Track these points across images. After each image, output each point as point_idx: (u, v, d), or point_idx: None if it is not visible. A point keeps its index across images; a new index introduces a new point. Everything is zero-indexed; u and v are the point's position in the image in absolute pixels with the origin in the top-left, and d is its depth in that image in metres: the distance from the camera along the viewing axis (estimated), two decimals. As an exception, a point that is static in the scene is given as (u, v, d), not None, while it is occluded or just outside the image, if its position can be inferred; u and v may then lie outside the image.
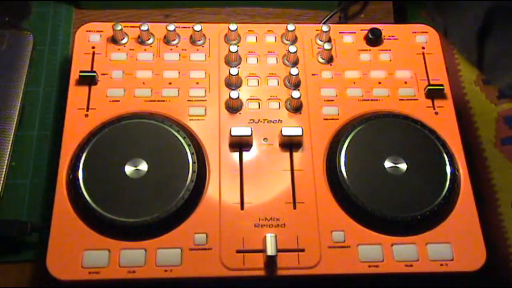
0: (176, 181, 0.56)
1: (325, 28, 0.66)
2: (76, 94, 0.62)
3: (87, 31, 0.66)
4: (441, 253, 0.55)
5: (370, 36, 0.67)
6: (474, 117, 0.66)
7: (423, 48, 0.68)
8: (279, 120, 0.62)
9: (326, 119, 0.62)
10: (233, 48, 0.64)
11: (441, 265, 0.55)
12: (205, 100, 0.63)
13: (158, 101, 0.62)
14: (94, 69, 0.63)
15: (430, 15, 0.75)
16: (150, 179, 0.56)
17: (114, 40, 0.66)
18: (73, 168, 0.57)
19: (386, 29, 0.68)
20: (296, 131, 0.59)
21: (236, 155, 0.59)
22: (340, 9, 0.77)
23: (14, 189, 0.62)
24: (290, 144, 0.60)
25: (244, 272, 0.54)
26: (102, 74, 0.63)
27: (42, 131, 0.66)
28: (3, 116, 0.64)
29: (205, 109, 0.62)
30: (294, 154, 0.60)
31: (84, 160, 0.57)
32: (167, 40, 0.66)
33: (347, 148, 0.59)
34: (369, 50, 0.67)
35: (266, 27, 0.69)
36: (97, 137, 0.58)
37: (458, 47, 0.70)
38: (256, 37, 0.68)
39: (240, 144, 0.60)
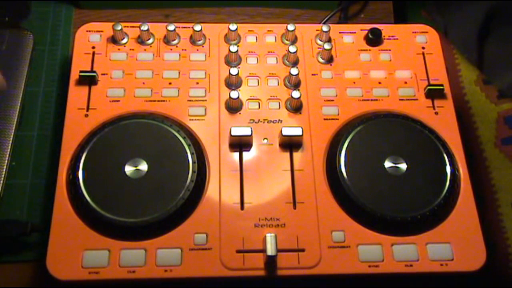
0: (176, 181, 0.56)
1: (325, 28, 0.66)
2: (76, 94, 0.62)
3: (87, 31, 0.66)
4: (441, 253, 0.55)
5: (370, 36, 0.67)
6: (474, 117, 0.66)
7: (423, 48, 0.67)
8: (279, 120, 0.62)
9: (326, 119, 0.62)
10: (233, 48, 0.64)
11: (441, 265, 0.55)
12: (205, 100, 0.63)
13: (158, 101, 0.62)
14: (94, 69, 0.63)
15: (430, 15, 0.75)
16: (150, 179, 0.56)
17: (114, 40, 0.66)
18: (73, 168, 0.57)
19: (386, 29, 0.68)
20: (296, 131, 0.59)
21: (236, 155, 0.59)
22: (340, 9, 0.77)
23: (14, 189, 0.62)
24: (290, 144, 0.60)
25: (244, 272, 0.54)
26: (102, 74, 0.63)
27: (42, 131, 0.66)
28: (3, 116, 0.64)
29: (205, 109, 0.62)
30: (294, 154, 0.60)
31: (84, 160, 0.57)
32: (167, 40, 0.66)
33: (347, 148, 0.59)
34: (369, 50, 0.67)
35: (266, 27, 0.69)
36: (97, 137, 0.58)
37: (458, 47, 0.70)
38: (256, 37, 0.68)
39: (240, 144, 0.60)
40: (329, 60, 0.66)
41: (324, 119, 0.62)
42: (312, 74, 0.65)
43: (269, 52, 0.67)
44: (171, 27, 0.65)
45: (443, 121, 0.63)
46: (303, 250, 0.55)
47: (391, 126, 0.61)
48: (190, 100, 0.62)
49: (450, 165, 0.59)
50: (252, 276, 0.54)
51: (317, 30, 0.68)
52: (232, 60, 0.65)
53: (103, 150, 0.58)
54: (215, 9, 0.77)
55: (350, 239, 0.55)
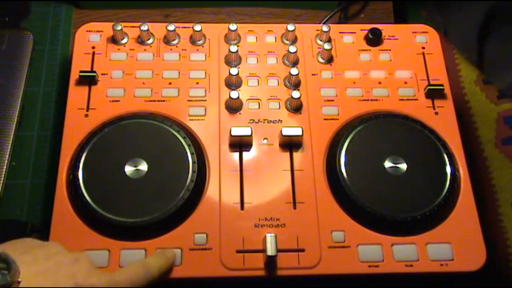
0: (176, 181, 0.56)
1: (325, 28, 0.66)
2: (76, 94, 0.62)
3: (87, 31, 0.66)
4: (441, 253, 0.55)
5: (370, 36, 0.67)
6: (474, 117, 0.66)
7: (423, 48, 0.68)
8: (279, 120, 0.62)
9: (326, 119, 0.62)
10: (233, 48, 0.64)
11: (441, 265, 0.55)
12: (205, 100, 0.63)
13: (158, 101, 0.62)
14: (94, 69, 0.63)
15: (431, 14, 0.75)
16: (150, 179, 0.56)
17: (114, 40, 0.66)
18: (73, 168, 0.57)
19: (386, 29, 0.68)
20: (296, 131, 0.59)
21: (236, 155, 0.59)
22: (340, 9, 0.77)
23: (14, 189, 0.62)
24: (290, 144, 0.60)
25: (244, 272, 0.54)
26: (102, 74, 0.63)
27: (42, 131, 0.66)
28: (3, 116, 0.64)
29: (205, 109, 0.62)
30: (294, 154, 0.60)
31: (84, 160, 0.57)
32: (167, 40, 0.66)
33: (347, 148, 0.59)
34: (369, 50, 0.67)
35: (266, 27, 0.69)
36: (97, 137, 0.58)
37: (458, 47, 0.70)
38: (256, 37, 0.68)
39: (240, 144, 0.60)
40: (329, 60, 0.66)
41: (324, 119, 0.62)
42: (312, 74, 0.65)
43: (269, 52, 0.67)
44: (171, 27, 0.65)
45: (443, 121, 0.63)
46: (303, 250, 0.55)
47: (391, 126, 0.61)
48: (190, 100, 0.62)
49: (450, 165, 0.59)
50: (252, 276, 0.54)
51: (317, 30, 0.68)
52: (232, 60, 0.65)
53: (103, 150, 0.58)
54: (215, 9, 0.77)
55: (350, 239, 0.55)
